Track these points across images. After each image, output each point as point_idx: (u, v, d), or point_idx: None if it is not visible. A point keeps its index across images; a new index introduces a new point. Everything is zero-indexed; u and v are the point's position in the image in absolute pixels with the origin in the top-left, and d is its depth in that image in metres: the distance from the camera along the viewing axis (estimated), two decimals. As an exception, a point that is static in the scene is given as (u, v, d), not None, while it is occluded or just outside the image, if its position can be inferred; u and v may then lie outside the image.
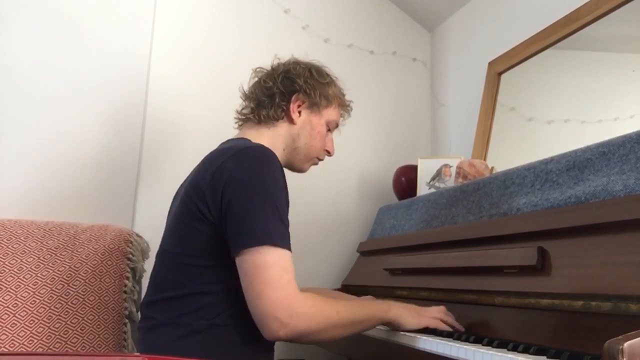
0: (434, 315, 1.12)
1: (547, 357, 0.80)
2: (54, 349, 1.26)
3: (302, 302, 0.96)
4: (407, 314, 1.11)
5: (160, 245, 1.14)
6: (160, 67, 1.82)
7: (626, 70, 1.43)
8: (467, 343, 0.96)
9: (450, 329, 1.10)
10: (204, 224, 1.02)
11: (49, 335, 1.26)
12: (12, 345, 1.22)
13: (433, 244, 1.37)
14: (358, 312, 1.06)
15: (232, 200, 0.99)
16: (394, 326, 1.12)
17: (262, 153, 1.05)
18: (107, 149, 1.70)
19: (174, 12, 1.88)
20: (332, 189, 2.07)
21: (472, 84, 2.02)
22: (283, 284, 0.95)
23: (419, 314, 1.12)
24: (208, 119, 1.84)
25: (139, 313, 1.33)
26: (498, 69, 1.87)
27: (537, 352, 0.83)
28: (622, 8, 1.39)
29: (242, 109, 1.27)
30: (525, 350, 0.84)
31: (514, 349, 0.86)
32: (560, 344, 0.86)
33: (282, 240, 0.98)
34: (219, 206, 1.00)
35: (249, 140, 1.16)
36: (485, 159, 1.80)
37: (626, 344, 0.60)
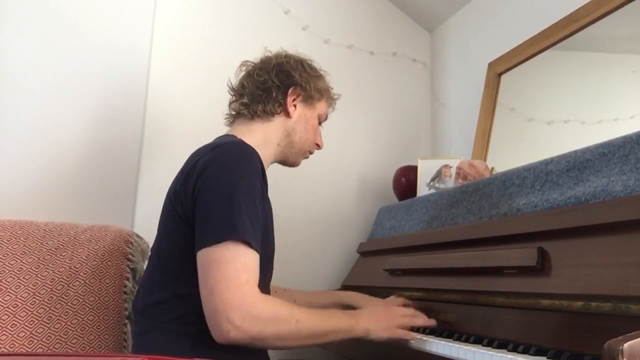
0: (404, 323, 1.07)
1: (547, 358, 0.80)
2: (54, 349, 1.26)
3: (259, 304, 0.90)
4: (376, 327, 1.04)
5: (151, 249, 1.14)
6: (160, 67, 1.82)
7: (626, 70, 1.43)
8: (467, 343, 0.96)
9: (423, 324, 1.09)
10: (181, 224, 1.01)
11: (49, 336, 1.26)
12: (12, 346, 1.22)
13: (433, 245, 1.37)
14: (322, 323, 0.99)
15: (201, 194, 0.96)
16: (364, 339, 1.06)
17: (239, 149, 1.02)
18: (107, 149, 1.70)
19: (174, 12, 1.88)
20: (332, 189, 2.07)
21: (472, 85, 2.02)
22: (240, 282, 0.89)
23: (388, 324, 1.05)
24: (208, 119, 1.83)
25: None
26: (498, 70, 1.87)
27: (537, 353, 0.83)
28: (622, 8, 1.39)
29: (232, 103, 1.23)
30: (525, 351, 0.84)
31: (514, 349, 0.86)
32: (560, 344, 0.85)
33: (247, 237, 0.92)
34: (191, 203, 0.98)
35: (235, 136, 1.14)
36: (485, 160, 1.80)
37: (626, 344, 0.60)
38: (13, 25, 1.63)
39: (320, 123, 1.28)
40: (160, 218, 1.12)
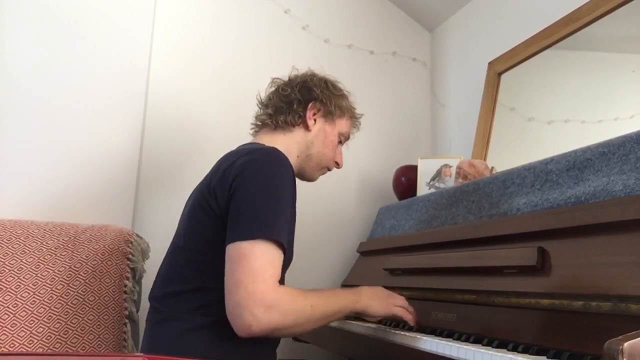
0: (401, 304, 1.17)
1: (547, 357, 0.80)
2: (54, 349, 1.26)
3: (280, 296, 0.95)
4: (375, 304, 1.13)
5: (172, 242, 1.18)
6: (160, 67, 1.82)
7: (626, 70, 1.43)
8: (467, 343, 0.96)
9: (412, 321, 1.16)
10: (212, 218, 1.05)
11: (49, 336, 1.26)
12: (12, 345, 1.22)
13: (433, 244, 1.37)
14: (330, 305, 1.06)
15: (237, 192, 1.02)
16: (363, 315, 1.15)
17: (275, 154, 1.09)
18: (107, 149, 1.70)
19: (174, 12, 1.88)
20: (332, 189, 2.07)
21: (472, 84, 2.02)
22: (265, 277, 0.94)
23: (387, 302, 1.15)
24: (208, 119, 1.84)
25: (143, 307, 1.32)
26: (498, 69, 1.87)
27: (537, 352, 0.83)
28: (622, 8, 1.39)
29: (258, 115, 1.30)
30: (525, 351, 0.84)
31: (514, 349, 0.86)
32: (560, 344, 0.85)
33: (277, 236, 0.98)
34: (226, 200, 1.03)
35: (263, 144, 1.19)
36: (485, 159, 1.80)
37: (626, 344, 0.60)
38: (13, 25, 1.63)
39: (341, 142, 1.34)
40: (185, 213, 1.17)
